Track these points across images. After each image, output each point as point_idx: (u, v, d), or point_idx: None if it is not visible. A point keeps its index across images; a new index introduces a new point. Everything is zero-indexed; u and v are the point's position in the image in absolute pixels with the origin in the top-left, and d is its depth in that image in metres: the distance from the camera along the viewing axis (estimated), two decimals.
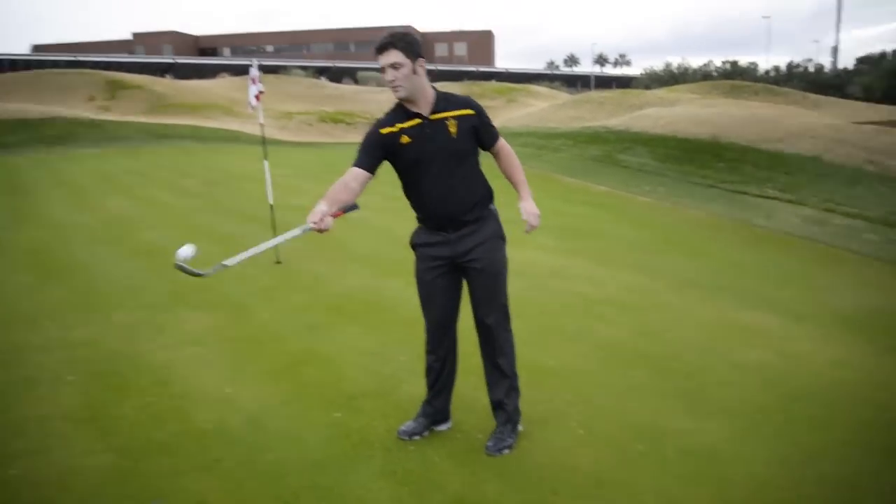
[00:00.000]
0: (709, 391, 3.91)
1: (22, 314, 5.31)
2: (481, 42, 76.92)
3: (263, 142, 7.21)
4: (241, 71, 43.93)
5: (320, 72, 50.47)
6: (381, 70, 2.90)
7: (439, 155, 2.97)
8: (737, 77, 44.33)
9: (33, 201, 11.54)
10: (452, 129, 2.96)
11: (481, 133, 3.07)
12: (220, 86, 36.30)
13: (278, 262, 6.67)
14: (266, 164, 7.04)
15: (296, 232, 2.98)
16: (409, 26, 72.69)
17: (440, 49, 75.50)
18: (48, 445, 3.22)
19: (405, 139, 2.96)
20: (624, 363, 4.30)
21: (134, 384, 3.86)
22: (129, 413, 3.51)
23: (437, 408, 3.35)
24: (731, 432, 3.42)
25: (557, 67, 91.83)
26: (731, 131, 15.53)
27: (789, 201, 10.92)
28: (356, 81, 47.16)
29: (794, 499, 2.88)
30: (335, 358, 4.26)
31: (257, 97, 6.60)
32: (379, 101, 35.00)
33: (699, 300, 5.78)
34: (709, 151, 14.48)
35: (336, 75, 49.23)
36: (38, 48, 73.84)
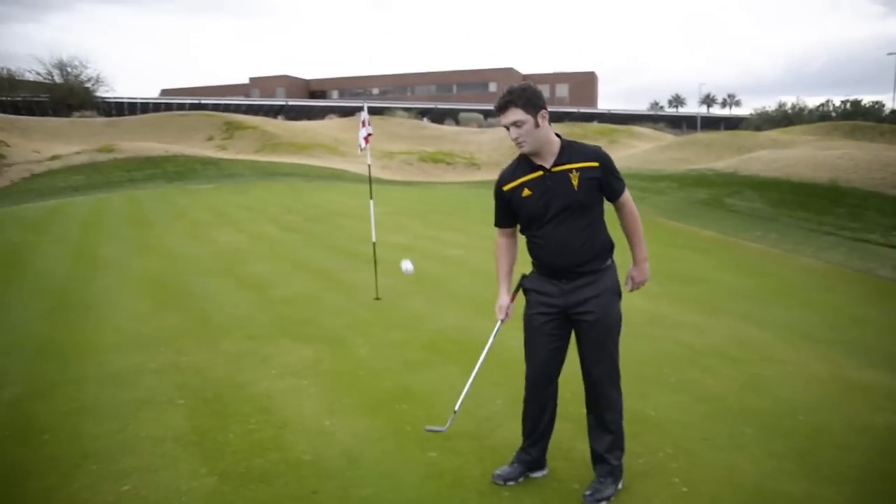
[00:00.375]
0: (824, 454, 3.62)
1: (138, 339, 5.70)
2: (583, 83, 76.87)
3: (370, 181, 7.48)
4: (348, 112, 46.02)
5: (422, 113, 52.03)
6: (506, 128, 2.96)
7: (560, 206, 2.95)
8: (859, 117, 41.82)
9: (153, 233, 12.45)
10: (574, 181, 2.93)
11: (604, 186, 3.01)
12: (327, 126, 38.12)
13: (377, 299, 6.83)
14: (371, 203, 7.28)
15: (492, 335, 3.55)
16: (511, 68, 73.71)
17: (542, 90, 75.67)
18: (157, 465, 3.41)
19: (526, 192, 2.99)
20: (730, 418, 4.06)
21: (238, 411, 4.04)
22: (232, 439, 3.66)
23: (533, 456, 3.29)
24: (849, 501, 3.15)
25: (662, 108, 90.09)
26: (852, 175, 14.61)
27: None
28: (457, 122, 48.17)
29: None
30: (431, 396, 4.29)
31: (366, 139, 6.86)
32: (479, 141, 35.56)
33: (814, 355, 5.40)
34: (827, 196, 13.66)
35: (438, 116, 50.57)
36: (165, 92, 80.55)
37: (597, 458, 3.18)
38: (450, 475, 3.27)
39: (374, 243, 7.34)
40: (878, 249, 10.50)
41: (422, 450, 3.53)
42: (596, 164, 2.97)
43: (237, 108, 54.21)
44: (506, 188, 3.07)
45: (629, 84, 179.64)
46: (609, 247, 3.08)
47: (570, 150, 2.99)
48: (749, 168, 17.08)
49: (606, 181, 2.99)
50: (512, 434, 3.73)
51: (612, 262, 3.11)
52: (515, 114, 2.89)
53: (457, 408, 3.40)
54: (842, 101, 49.04)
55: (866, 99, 52.89)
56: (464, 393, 3.40)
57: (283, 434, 3.72)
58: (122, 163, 25.43)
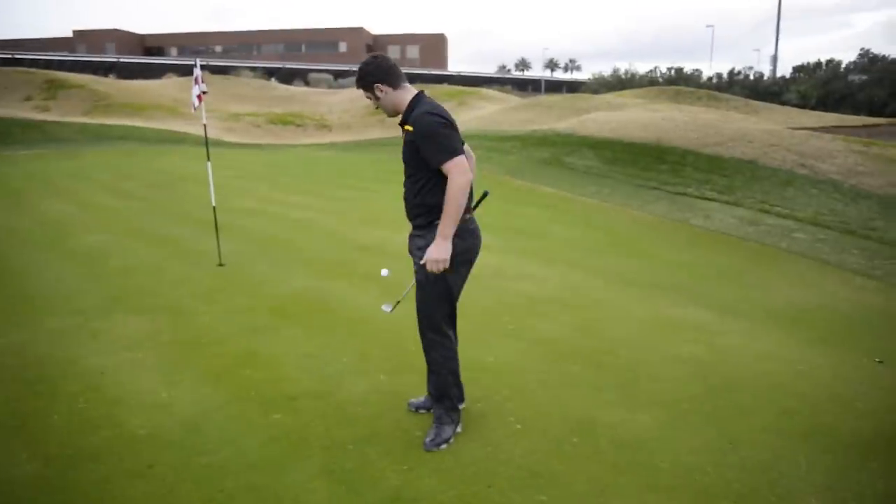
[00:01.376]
0: (641, 384, 4.04)
1: None
2: (434, 45, 77.15)
3: (206, 143, 7.11)
4: (189, 71, 43.01)
5: (270, 73, 49.82)
6: None
7: (403, 159, 3.20)
8: (681, 83, 45.61)
9: None
10: (404, 138, 3.15)
11: (420, 150, 3.03)
12: (166, 86, 35.48)
13: (221, 265, 6.59)
14: (209, 165, 6.94)
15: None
16: (361, 28, 72.37)
17: (393, 51, 75.35)
18: None
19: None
20: (561, 359, 4.40)
21: (64, 391, 3.76)
22: (57, 421, 3.42)
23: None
24: (660, 422, 3.55)
25: (509, 71, 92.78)
26: (673, 135, 15.99)
27: (726, 202, 11.32)
28: (307, 83, 46.69)
29: (718, 483, 3.01)
30: (276, 360, 4.24)
31: (199, 98, 6.50)
32: (329, 102, 34.76)
33: (637, 298, 5.95)
34: (653, 155, 14.87)
35: (286, 77, 48.66)
36: None
37: (432, 403, 3.36)
38: (294, 434, 3.28)
39: (213, 207, 7.02)
40: (693, 201, 11.66)
41: (266, 413, 3.50)
42: (411, 128, 3.06)
43: (60, 65, 48.78)
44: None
45: (478, 48, 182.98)
46: (436, 208, 3.09)
47: (409, 111, 3.14)
48: (586, 129, 18.16)
49: (421, 147, 3.01)
50: (357, 389, 3.81)
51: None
52: (362, 92, 3.24)
53: (401, 297, 3.69)
54: (668, 68, 53.14)
55: (688, 66, 57.61)
56: (410, 285, 3.46)
57: (116, 410, 3.53)
58: None
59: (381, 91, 3.14)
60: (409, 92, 3.17)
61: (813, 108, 38.45)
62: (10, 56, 51.43)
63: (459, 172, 2.94)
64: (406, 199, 3.26)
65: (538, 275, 6.60)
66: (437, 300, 3.20)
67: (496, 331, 4.89)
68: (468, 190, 3.00)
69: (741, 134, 15.55)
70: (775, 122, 23.69)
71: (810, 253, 8.17)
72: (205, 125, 6.99)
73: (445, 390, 3.31)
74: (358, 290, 5.87)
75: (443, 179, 3.03)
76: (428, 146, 2.99)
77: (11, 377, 3.97)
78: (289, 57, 66.12)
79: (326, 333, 4.75)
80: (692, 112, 20.93)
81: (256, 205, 10.37)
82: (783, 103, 39.61)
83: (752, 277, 7.01)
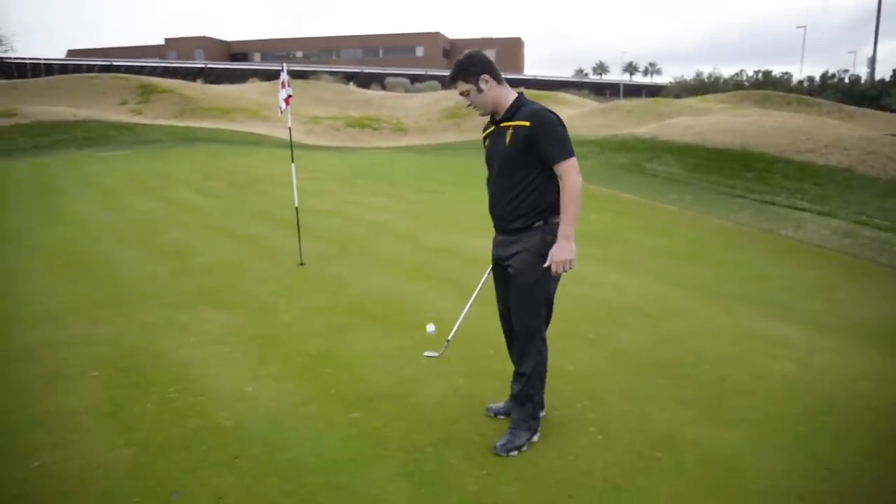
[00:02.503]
0: (728, 400, 3.87)
1: (48, 311, 5.43)
2: (510, 49, 77.01)
3: (291, 145, 7.31)
4: (272, 76, 44.57)
5: (349, 77, 50.98)
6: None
7: (498, 160, 3.12)
8: (769, 87, 43.67)
9: (63, 201, 11.81)
10: (508, 137, 3.05)
11: (536, 148, 2.99)
12: (250, 90, 36.82)
13: (301, 265, 6.75)
14: (293, 167, 7.13)
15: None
16: (438, 33, 72.99)
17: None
18: (70, 439, 3.29)
19: (487, 142, 3.25)
20: (644, 370, 4.27)
21: (155, 381, 3.93)
22: (149, 409, 3.57)
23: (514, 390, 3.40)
24: (750, 442, 3.38)
25: (586, 75, 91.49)
26: (761, 141, 15.34)
27: (819, 213, 10.75)
28: (384, 87, 47.49)
29: None
30: (355, 359, 4.30)
31: (286, 101, 6.68)
32: (406, 107, 35.20)
33: (721, 310, 5.71)
34: (738, 161, 14.32)
35: (364, 81, 49.66)
36: (72, 53, 75.70)
37: (512, 408, 3.31)
38: (373, 435, 3.30)
39: (296, 208, 7.21)
40: (782, 211, 11.13)
41: (345, 412, 3.55)
42: (527, 123, 2.99)
43: (152, 71, 51.56)
44: (482, 135, 3.33)
45: (555, 51, 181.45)
46: (542, 209, 3.06)
47: (515, 108, 3.09)
48: (667, 134, 17.67)
49: (537, 143, 2.97)
50: (435, 392, 3.80)
51: (546, 224, 3.07)
52: (460, 85, 3.12)
53: (450, 336, 3.57)
54: (754, 72, 50.99)
55: (776, 70, 55.23)
56: (458, 322, 3.54)
57: (203, 402, 3.65)
58: (25, 128, 23.85)
59: (486, 83, 3.08)
60: (510, 90, 3.19)
61: None
62: (107, 63, 54.59)
63: (577, 172, 2.99)
64: (498, 202, 3.16)
65: (617, 282, 6.44)
66: (540, 303, 3.17)
67: (576, 339, 4.79)
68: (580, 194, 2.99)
69: (836, 140, 14.75)
70: (873, 128, 22.35)
71: None
72: (290, 128, 7.18)
73: (531, 395, 3.26)
74: (435, 293, 5.88)
75: (545, 181, 3.05)
76: (549, 141, 2.96)
77: (107, 366, 4.18)
78: (367, 61, 67.52)
79: (403, 335, 4.78)
80: (781, 117, 20.02)
81: (335, 206, 10.59)
82: (882, 108, 37.36)
83: (844, 292, 6.61)
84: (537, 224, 3.09)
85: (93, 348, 4.50)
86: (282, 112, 6.75)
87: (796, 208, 11.20)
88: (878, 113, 34.25)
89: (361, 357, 4.33)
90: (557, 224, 3.07)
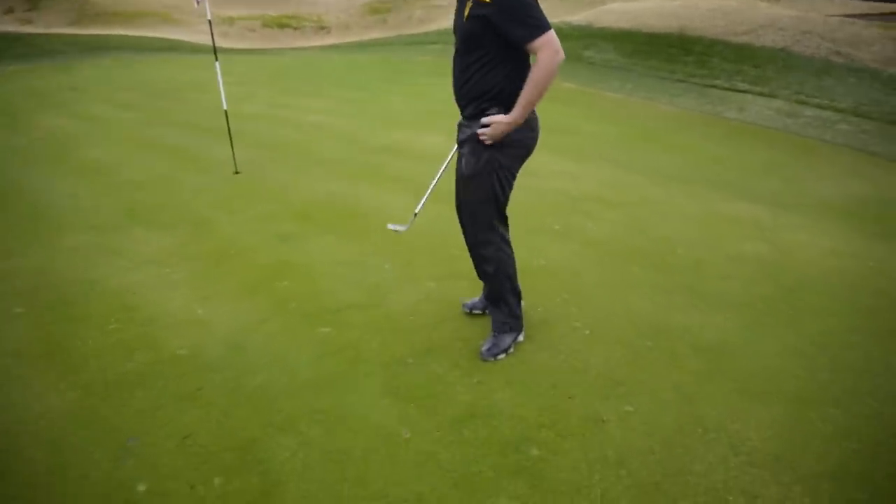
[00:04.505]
0: (709, 285, 3.76)
1: None
2: None
3: (213, 42, 6.55)
4: None
5: None
6: None
7: (457, 35, 2.72)
8: None
9: None
10: (466, 10, 2.60)
11: (498, 28, 2.51)
12: None
13: (237, 173, 6.20)
14: (217, 66, 6.42)
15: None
16: None
17: None
18: (2, 388, 2.86)
19: (455, 11, 2.80)
20: (618, 260, 4.10)
21: (93, 312, 3.49)
22: (91, 345, 3.16)
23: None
24: (737, 325, 3.29)
25: None
26: (697, 24, 15.10)
27: (760, 94, 10.73)
28: None
29: (812, 387, 2.77)
30: (312, 270, 3.95)
31: None
32: (327, 3, 33.11)
33: (683, 194, 5.59)
34: (676, 46, 14.09)
35: None
36: None
37: (489, 310, 3.10)
38: (348, 350, 3.02)
39: (225, 112, 6.55)
40: (723, 94, 11.06)
41: (312, 327, 3.24)
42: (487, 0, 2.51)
43: None
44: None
45: None
46: (494, 94, 2.64)
47: None
48: (602, 20, 17.18)
49: (500, 23, 2.50)
50: (406, 299, 3.53)
51: (499, 111, 2.66)
52: None
53: (417, 210, 3.32)
54: None
55: None
56: (425, 196, 3.27)
57: (151, 331, 3.26)
58: None
59: None
60: None
61: None
62: None
63: (554, 51, 2.47)
64: (456, 80, 2.76)
65: (574, 172, 6.21)
66: (486, 195, 2.79)
67: (542, 233, 4.57)
68: (556, 74, 2.53)
69: (770, 21, 14.66)
70: (799, 9, 22.40)
71: (856, 144, 7.72)
72: (210, 21, 6.40)
73: (502, 294, 3.00)
74: (387, 193, 5.51)
75: (507, 63, 2.61)
76: (514, 21, 2.48)
77: (33, 301, 3.68)
78: None
79: (361, 240, 4.44)
80: None
81: (265, 110, 9.84)
82: None
83: (800, 170, 6.61)
84: (491, 111, 2.67)
85: (13, 282, 3.97)
86: (198, 3, 5.98)
87: (737, 90, 11.15)
88: None
89: (318, 267, 3.98)
90: (491, 103, 2.70)
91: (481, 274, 3.06)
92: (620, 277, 3.83)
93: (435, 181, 3.22)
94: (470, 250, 3.01)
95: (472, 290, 3.56)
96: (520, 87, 2.59)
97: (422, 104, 10.14)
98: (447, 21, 25.03)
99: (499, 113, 2.65)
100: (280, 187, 5.69)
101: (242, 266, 4.02)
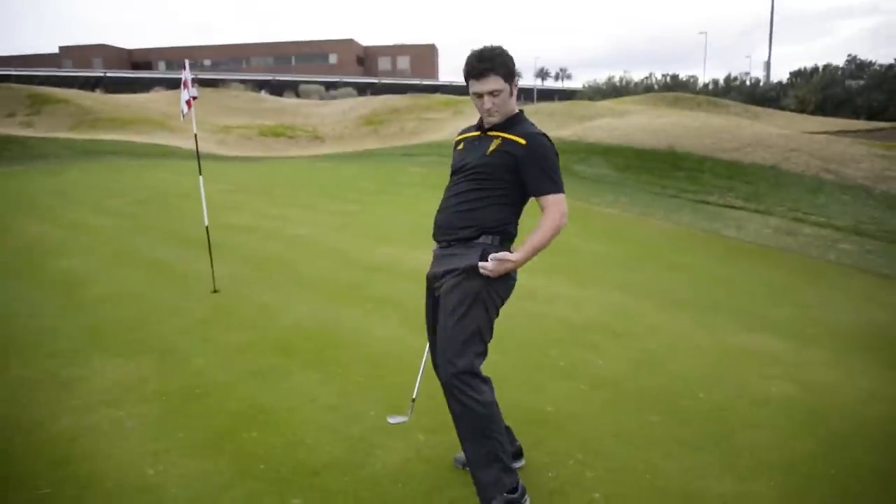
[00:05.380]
0: (738, 438, 3.30)
1: None
2: (424, 55, 76.70)
3: (197, 155, 6.34)
4: (177, 85, 42.29)
5: (260, 86, 49.10)
6: (478, 96, 2.58)
7: (470, 165, 2.65)
8: (677, 90, 45.14)
9: None
10: (492, 146, 2.60)
11: (522, 171, 2.56)
12: (154, 100, 34.66)
13: (216, 291, 5.80)
14: (201, 179, 6.17)
15: None
16: (352, 40, 71.96)
17: (384, 62, 74.93)
18: None
19: (460, 147, 2.79)
20: (632, 404, 3.66)
21: (27, 470, 2.96)
22: None
23: None
24: (782, 493, 2.81)
25: None
26: (686, 141, 15.34)
27: (755, 211, 10.63)
28: (298, 95, 46.00)
29: None
30: (289, 416, 3.46)
31: (189, 103, 5.75)
32: (321, 114, 34.06)
33: (692, 322, 5.22)
34: (667, 161, 14.21)
35: (276, 89, 47.93)
36: None
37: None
38: None
39: (206, 227, 6.22)
40: (718, 210, 10.95)
41: (282, 497, 2.72)
42: (522, 141, 2.56)
43: (46, 81, 47.89)
44: (456, 139, 2.87)
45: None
46: (497, 226, 2.62)
47: (512, 122, 2.65)
48: (592, 136, 17.49)
49: (525, 167, 2.56)
50: (393, 457, 3.04)
51: (494, 245, 2.60)
52: (495, 82, 2.55)
53: (414, 395, 3.03)
54: (662, 75, 52.77)
55: (682, 73, 57.19)
56: (419, 375, 3.02)
57: (86, 497, 2.73)
58: None
59: (516, 87, 2.67)
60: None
61: (812, 113, 38.06)
62: None
63: (563, 212, 2.61)
64: (450, 204, 2.66)
65: (575, 296, 5.86)
66: (474, 331, 2.51)
67: (546, 369, 4.14)
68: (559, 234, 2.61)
69: (757, 139, 14.91)
70: (779, 126, 23.10)
71: (864, 266, 7.46)
72: (196, 135, 6.22)
73: (496, 452, 2.48)
74: (373, 319, 5.11)
75: (512, 205, 2.66)
76: (538, 170, 2.56)
77: None
78: (279, 69, 65.30)
79: (345, 376, 3.98)
80: (700, 117, 20.35)
81: (253, 221, 9.58)
82: (781, 108, 39.24)
83: (811, 295, 6.29)
84: (484, 238, 2.59)
85: None
86: (184, 115, 5.81)
87: (731, 207, 11.06)
88: (780, 112, 35.88)
89: (296, 412, 3.49)
90: (509, 251, 2.64)
91: (464, 434, 2.55)
92: (638, 428, 3.37)
93: (425, 359, 2.97)
94: (452, 414, 2.55)
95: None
96: (515, 230, 2.64)
97: (411, 217, 9.94)
98: (438, 133, 25.61)
99: (493, 244, 2.59)
100: (260, 310, 5.27)
101: (209, 410, 3.53)
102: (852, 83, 43.51)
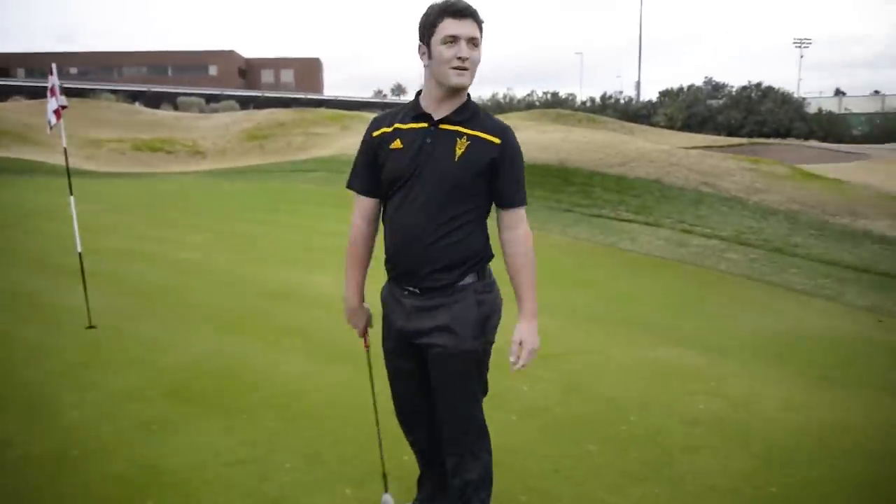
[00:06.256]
0: (679, 464, 3.19)
1: None
2: (309, 69, 75.34)
3: (67, 171, 5.59)
4: (39, 93, 38.84)
5: (134, 97, 46.22)
6: (450, 42, 2.03)
7: (431, 177, 2.08)
8: (557, 106, 46.95)
9: None
10: (459, 149, 2.08)
11: (496, 178, 2.13)
12: (13, 109, 31.59)
13: (91, 327, 5.10)
14: (72, 199, 5.45)
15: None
16: (233, 51, 69.57)
17: (266, 75, 72.89)
18: None
19: (397, 143, 2.13)
20: (566, 433, 3.49)
21: None
22: None
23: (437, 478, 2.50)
24: None
25: (385, 96, 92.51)
26: (575, 156, 15.77)
27: (646, 223, 10.99)
28: (176, 107, 43.66)
29: None
30: (189, 476, 2.97)
31: (57, 113, 5.06)
32: (202, 127, 32.43)
33: (609, 339, 5.17)
34: (559, 176, 14.51)
35: (152, 101, 45.26)
36: None
37: None
38: None
39: (80, 253, 5.49)
40: (612, 223, 11.24)
41: None
42: (497, 140, 2.10)
43: None
44: (376, 133, 2.20)
45: (354, 73, 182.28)
46: (477, 257, 2.18)
47: (472, 112, 2.15)
48: None
49: (501, 172, 2.11)
50: None
51: (480, 279, 2.21)
52: (474, 27, 2.06)
53: (384, 470, 2.62)
54: (543, 93, 54.78)
55: (562, 91, 59.59)
56: (380, 449, 2.62)
57: None
58: None
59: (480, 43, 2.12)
60: None
61: (680, 130, 40.73)
62: None
63: (529, 230, 2.24)
64: (418, 239, 2.10)
65: None
66: (478, 388, 2.33)
67: None
68: None
69: (640, 154, 15.58)
70: (654, 142, 24.43)
71: (752, 274, 7.82)
72: (65, 149, 5.50)
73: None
74: (281, 353, 4.66)
75: (481, 221, 2.19)
76: (516, 176, 2.15)
77: None
78: (154, 80, 61.70)
79: (252, 423, 3.53)
80: (586, 133, 21.07)
81: (132, 244, 8.72)
82: (652, 125, 41.72)
83: (713, 306, 6.48)
84: (468, 280, 2.17)
85: None
86: (51, 127, 5.11)
87: (623, 220, 11.39)
88: (651, 128, 38.19)
89: (198, 470, 3.01)
90: (493, 282, 2.27)
91: (457, 484, 2.30)
92: (578, 460, 3.18)
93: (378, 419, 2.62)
94: (451, 454, 2.30)
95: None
96: (490, 254, 2.21)
97: (308, 237, 9.46)
98: (327, 149, 24.99)
99: (482, 282, 2.21)
100: (146, 348, 4.66)
101: (90, 477, 2.97)
102: (713, 102, 47.11)
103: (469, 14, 2.04)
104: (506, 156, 2.11)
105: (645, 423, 3.62)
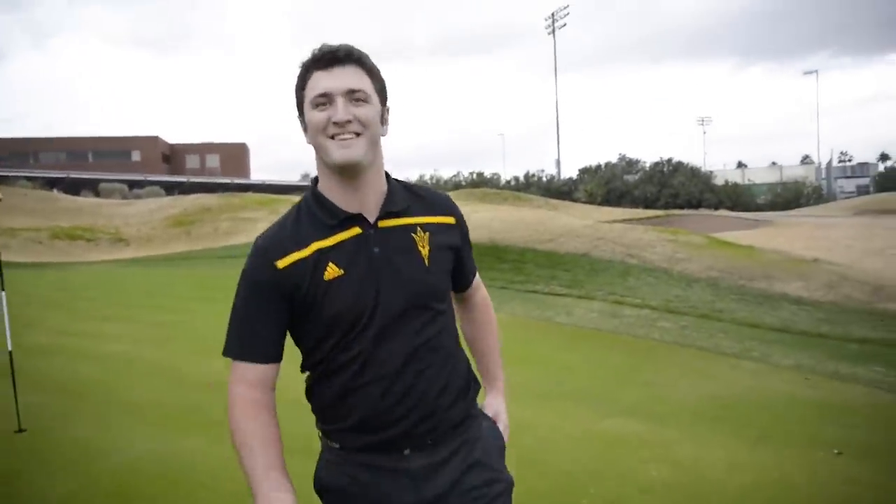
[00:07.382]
0: None
1: None
2: (235, 155, 75.24)
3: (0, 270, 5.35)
4: None
5: (52, 184, 44.79)
6: (320, 103, 1.48)
7: (396, 300, 1.52)
8: (483, 186, 48.49)
9: None
10: (423, 247, 1.58)
11: (461, 261, 1.74)
12: None
13: (21, 430, 4.79)
14: (3, 295, 5.21)
15: None
16: (157, 137, 68.91)
17: (192, 161, 72.27)
18: None
19: (332, 270, 1.49)
20: None
21: None
22: None
23: None
24: None
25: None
26: (505, 234, 16.25)
27: (578, 297, 11.35)
28: (97, 194, 42.51)
29: None
30: None
31: None
32: (125, 214, 31.65)
33: (557, 414, 5.26)
34: (490, 254, 14.85)
35: (72, 187, 43.97)
36: None
37: None
38: None
39: (10, 353, 5.20)
40: (545, 298, 11.55)
41: None
42: (451, 219, 1.68)
43: None
44: (283, 263, 1.51)
45: (280, 156, 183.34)
46: (469, 373, 1.73)
47: (406, 193, 1.65)
48: None
49: (463, 254, 1.75)
50: None
51: (473, 394, 1.74)
52: (355, 76, 1.48)
53: None
54: (469, 172, 56.62)
55: (487, 171, 61.77)
56: None
57: None
58: None
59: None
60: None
61: (600, 204, 42.67)
62: None
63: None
64: (413, 387, 1.55)
65: None
66: None
67: None
68: None
69: (567, 230, 16.22)
70: (578, 217, 25.50)
71: (684, 341, 8.15)
72: None
73: None
74: (224, 448, 4.46)
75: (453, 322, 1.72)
76: (468, 250, 1.80)
77: None
78: (73, 167, 60.10)
79: None
80: (513, 211, 21.78)
81: (53, 339, 8.30)
82: (574, 200, 43.57)
83: (650, 374, 6.69)
84: (476, 411, 1.77)
85: None
86: None
87: (556, 294, 11.73)
88: (574, 204, 39.90)
89: None
90: (478, 389, 1.77)
91: None
92: None
93: None
94: None
95: None
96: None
97: None
98: (256, 233, 24.54)
99: (481, 408, 1.82)
100: (81, 451, 4.40)
101: None
102: (628, 178, 49.84)
103: (341, 59, 1.48)
104: (463, 232, 1.74)
105: (603, 495, 3.68)
